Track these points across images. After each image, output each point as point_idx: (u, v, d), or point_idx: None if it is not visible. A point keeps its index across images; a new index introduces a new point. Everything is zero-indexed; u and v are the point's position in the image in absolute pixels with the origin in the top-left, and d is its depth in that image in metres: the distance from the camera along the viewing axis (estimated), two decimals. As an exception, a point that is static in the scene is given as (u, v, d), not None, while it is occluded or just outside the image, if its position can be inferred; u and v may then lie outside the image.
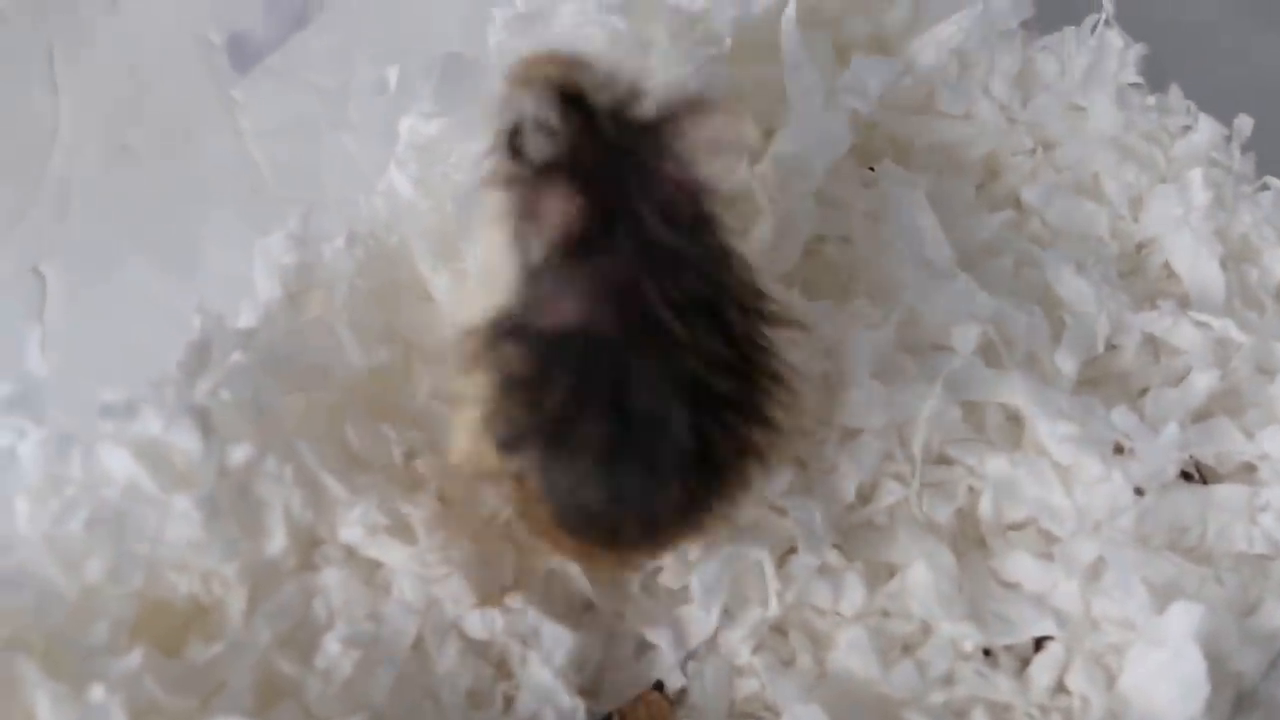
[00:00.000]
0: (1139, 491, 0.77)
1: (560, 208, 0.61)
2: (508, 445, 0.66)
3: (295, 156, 0.96)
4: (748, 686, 0.74)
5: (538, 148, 0.63)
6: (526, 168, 0.63)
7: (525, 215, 0.63)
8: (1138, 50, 0.92)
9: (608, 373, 0.63)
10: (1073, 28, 0.94)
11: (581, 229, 0.61)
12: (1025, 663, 0.76)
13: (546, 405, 0.63)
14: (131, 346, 0.84)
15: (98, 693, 0.61)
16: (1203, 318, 0.84)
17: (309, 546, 0.72)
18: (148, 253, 0.91)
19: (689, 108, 0.63)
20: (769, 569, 0.74)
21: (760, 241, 0.82)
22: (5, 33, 1.01)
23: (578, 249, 0.61)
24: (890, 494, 0.78)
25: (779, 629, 0.76)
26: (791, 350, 0.78)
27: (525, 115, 0.64)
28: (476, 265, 0.68)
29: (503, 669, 0.72)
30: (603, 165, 0.62)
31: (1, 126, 0.97)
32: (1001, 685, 0.74)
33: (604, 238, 0.62)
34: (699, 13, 0.87)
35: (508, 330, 0.64)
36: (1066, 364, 0.82)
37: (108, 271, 0.90)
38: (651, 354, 0.63)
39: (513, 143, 0.64)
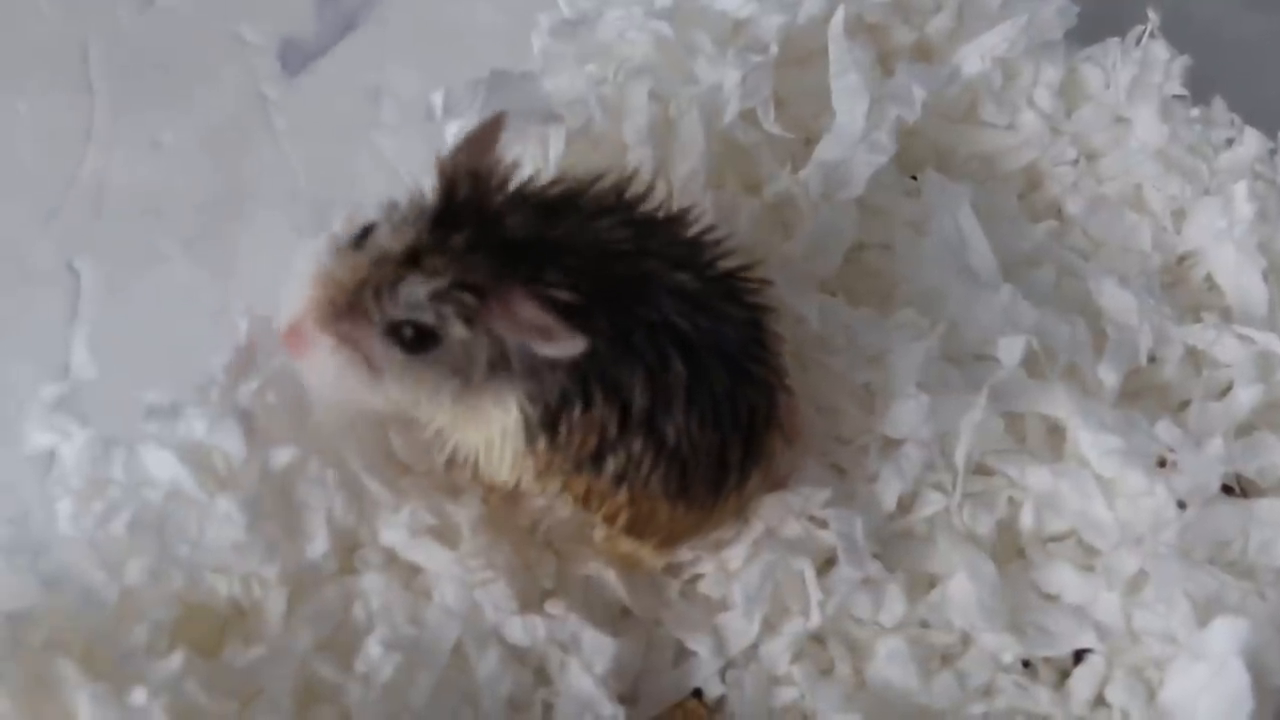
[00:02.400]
0: (1181, 505, 0.77)
1: (526, 302, 0.60)
2: (602, 454, 0.67)
3: (332, 158, 0.96)
4: (786, 695, 0.74)
5: (437, 318, 0.61)
6: (453, 336, 0.62)
7: (524, 338, 0.62)
8: (1182, 62, 0.92)
9: (646, 332, 0.64)
10: (1117, 39, 0.93)
11: (555, 302, 0.61)
12: (1065, 675, 0.76)
13: (634, 399, 0.65)
14: (168, 345, 0.84)
15: (139, 695, 0.61)
16: (1246, 331, 0.83)
17: (349, 550, 0.72)
18: (183, 252, 0.91)
19: (456, 163, 0.63)
20: (811, 579, 0.73)
21: (801, 247, 0.82)
22: (40, 30, 1.01)
23: (577, 317, 0.61)
24: (931, 504, 0.77)
25: (817, 638, 0.75)
26: (834, 359, 0.78)
27: (395, 319, 0.62)
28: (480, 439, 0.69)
29: (542, 675, 0.71)
30: (493, 257, 0.61)
31: (36, 122, 0.97)
32: (1041, 697, 0.74)
33: (550, 271, 0.62)
34: (745, 19, 0.87)
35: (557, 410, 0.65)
36: (1109, 376, 0.81)
37: (143, 270, 0.90)
38: (648, 308, 0.64)
39: (412, 342, 0.62)
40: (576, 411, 0.65)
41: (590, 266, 0.63)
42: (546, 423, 0.65)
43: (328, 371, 0.63)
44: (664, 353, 0.65)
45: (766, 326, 0.71)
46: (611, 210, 0.66)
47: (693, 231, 0.69)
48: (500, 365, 0.63)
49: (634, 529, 0.72)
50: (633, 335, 0.64)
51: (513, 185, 0.64)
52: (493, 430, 0.67)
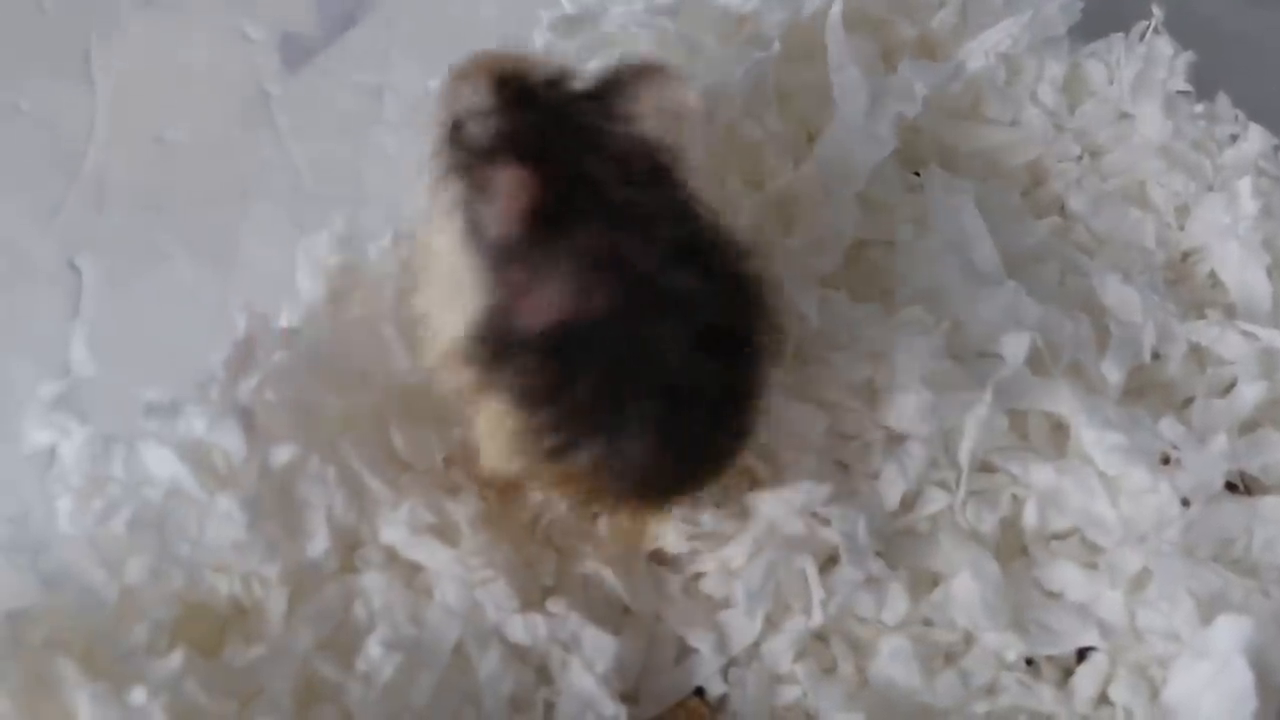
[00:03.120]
0: (1185, 502, 0.77)
1: (511, 177, 0.60)
2: (562, 452, 0.65)
3: (334, 155, 0.95)
4: (789, 694, 0.73)
5: (479, 133, 0.63)
6: (470, 154, 0.63)
7: (477, 196, 0.62)
8: (1186, 58, 0.92)
9: (632, 345, 0.63)
10: (1120, 35, 0.93)
11: (538, 200, 0.60)
12: (1068, 673, 0.75)
13: (596, 404, 0.63)
14: (169, 342, 0.84)
15: (139, 695, 0.61)
16: (1250, 328, 0.83)
17: (350, 549, 0.71)
18: (185, 248, 0.91)
19: (629, 74, 0.64)
20: (813, 577, 0.73)
21: (804, 242, 0.82)
22: (42, 26, 1.01)
23: (541, 224, 0.61)
24: (934, 502, 0.77)
25: (820, 637, 0.75)
26: (837, 356, 0.77)
27: (464, 106, 0.64)
28: (436, 273, 0.67)
29: (544, 674, 0.71)
30: (546, 134, 0.63)
31: (38, 120, 0.97)
32: (1044, 696, 0.73)
33: (566, 209, 0.61)
34: (748, 14, 0.87)
35: (504, 347, 0.63)
36: (1112, 373, 0.81)
37: (145, 267, 0.90)
38: (658, 312, 0.63)
39: (455, 135, 0.64)
40: (542, 379, 0.63)
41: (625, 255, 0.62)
42: (502, 356, 0.63)
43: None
44: (621, 404, 0.63)
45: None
46: (703, 218, 0.66)
47: (760, 297, 0.68)
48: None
49: (596, 500, 0.72)
50: (613, 370, 0.63)
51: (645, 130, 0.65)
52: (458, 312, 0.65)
